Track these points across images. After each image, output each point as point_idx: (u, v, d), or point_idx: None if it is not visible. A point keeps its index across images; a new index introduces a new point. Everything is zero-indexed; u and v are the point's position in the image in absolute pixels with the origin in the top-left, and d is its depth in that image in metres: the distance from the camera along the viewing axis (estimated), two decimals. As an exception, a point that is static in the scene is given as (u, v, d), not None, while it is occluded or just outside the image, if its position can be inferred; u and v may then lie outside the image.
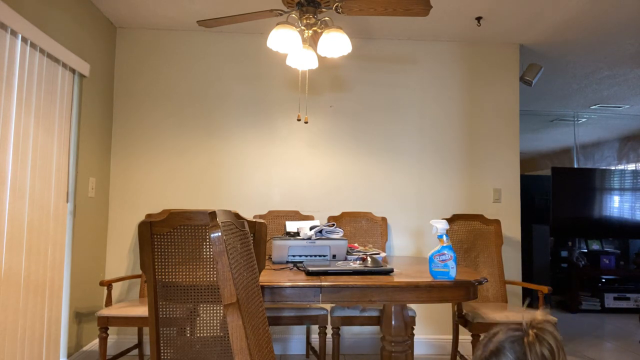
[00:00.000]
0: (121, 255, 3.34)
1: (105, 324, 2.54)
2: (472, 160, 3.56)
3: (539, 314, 0.86)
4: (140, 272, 3.26)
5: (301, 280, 1.72)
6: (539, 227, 5.13)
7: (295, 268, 2.05)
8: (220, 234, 1.04)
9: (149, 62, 3.45)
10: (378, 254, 2.36)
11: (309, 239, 2.21)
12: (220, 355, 1.63)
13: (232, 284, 1.02)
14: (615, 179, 5.49)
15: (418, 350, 3.38)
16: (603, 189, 5.45)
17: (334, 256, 2.21)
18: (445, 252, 1.74)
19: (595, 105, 5.37)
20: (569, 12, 3.08)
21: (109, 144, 3.35)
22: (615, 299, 5.12)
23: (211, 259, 1.63)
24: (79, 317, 2.93)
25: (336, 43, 2.23)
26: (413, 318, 2.68)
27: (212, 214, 1.09)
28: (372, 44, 3.56)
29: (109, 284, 2.77)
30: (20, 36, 2.28)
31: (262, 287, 1.66)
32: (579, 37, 3.47)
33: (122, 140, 3.40)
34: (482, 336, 0.87)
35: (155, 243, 1.62)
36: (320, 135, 3.50)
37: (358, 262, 1.99)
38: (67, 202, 2.81)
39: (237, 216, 1.64)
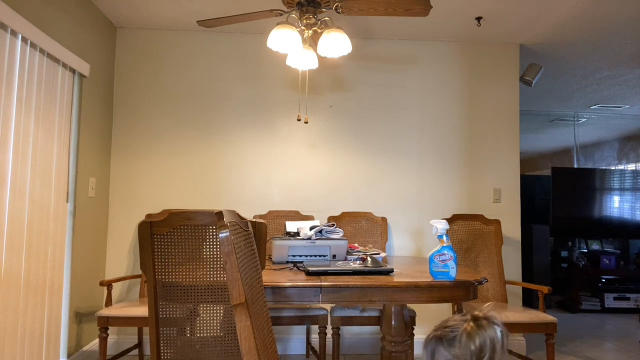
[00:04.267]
0: (121, 255, 3.34)
1: (105, 324, 2.54)
2: (472, 160, 3.56)
3: (486, 310, 0.89)
4: (140, 272, 3.26)
5: (301, 280, 1.72)
6: (539, 227, 5.13)
7: (295, 268, 2.05)
8: (228, 233, 1.03)
9: (149, 62, 3.45)
10: (378, 254, 2.36)
11: (309, 239, 2.21)
12: (220, 355, 1.63)
13: (240, 284, 1.02)
14: (615, 179, 5.49)
15: (418, 350, 3.38)
16: (603, 189, 5.45)
17: (334, 256, 2.21)
18: (445, 252, 1.74)
19: (595, 105, 5.37)
20: (569, 12, 3.08)
21: (109, 144, 3.35)
22: (615, 299, 5.12)
23: (211, 259, 1.63)
24: (79, 317, 2.93)
25: (336, 43, 2.23)
26: (413, 318, 2.68)
27: (219, 214, 1.09)
28: (372, 44, 3.56)
29: (109, 284, 2.77)
30: (20, 36, 2.28)
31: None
32: (579, 37, 3.47)
33: (122, 140, 3.40)
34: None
35: (155, 243, 1.62)
36: (320, 135, 3.50)
37: (358, 262, 1.99)
38: (67, 202, 2.81)
39: (238, 216, 1.63)
